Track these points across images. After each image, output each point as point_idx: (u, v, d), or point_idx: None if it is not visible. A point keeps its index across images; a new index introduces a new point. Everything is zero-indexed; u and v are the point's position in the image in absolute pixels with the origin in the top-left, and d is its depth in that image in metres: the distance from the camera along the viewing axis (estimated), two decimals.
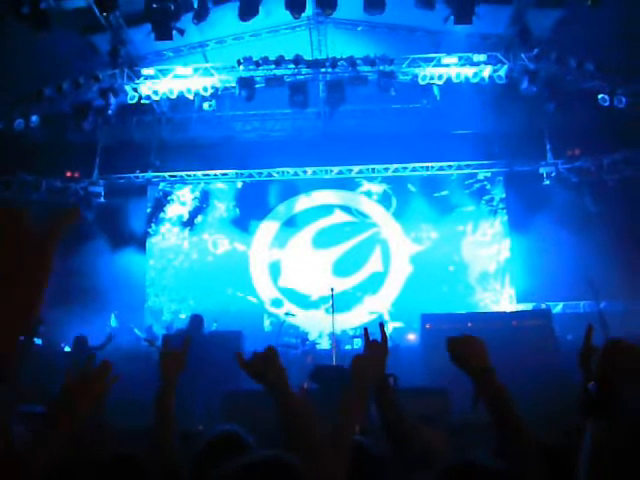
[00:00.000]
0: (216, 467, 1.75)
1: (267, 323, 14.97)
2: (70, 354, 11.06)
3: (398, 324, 14.38)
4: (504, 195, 15.51)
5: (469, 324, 11.19)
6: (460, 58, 13.03)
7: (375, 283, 15.23)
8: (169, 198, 15.95)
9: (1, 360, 0.77)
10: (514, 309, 14.33)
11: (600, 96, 12.53)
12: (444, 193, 15.48)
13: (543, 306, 13.46)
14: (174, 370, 2.83)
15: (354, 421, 2.24)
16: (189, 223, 15.80)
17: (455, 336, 2.30)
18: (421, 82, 13.12)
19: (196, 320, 11.74)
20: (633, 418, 1.57)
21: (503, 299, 14.96)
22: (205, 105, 13.49)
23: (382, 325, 2.64)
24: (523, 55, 12.71)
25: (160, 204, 15.88)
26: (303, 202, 15.87)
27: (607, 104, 12.47)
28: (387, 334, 2.56)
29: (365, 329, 2.68)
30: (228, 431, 2.73)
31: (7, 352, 0.79)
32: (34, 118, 12.69)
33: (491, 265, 15.20)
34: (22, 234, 0.83)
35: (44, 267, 0.86)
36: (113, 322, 13.32)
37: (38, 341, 10.93)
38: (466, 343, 2.26)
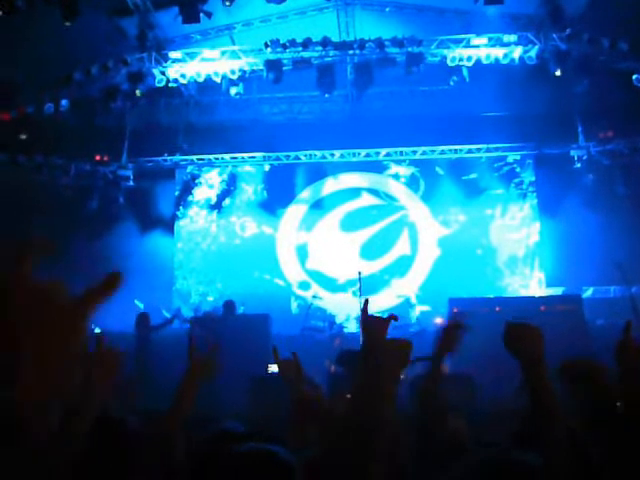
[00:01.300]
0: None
1: (294, 306, 15.01)
2: (134, 331, 11.20)
3: (425, 308, 14.34)
4: (534, 178, 15.32)
5: (497, 308, 11.11)
6: (490, 39, 12.83)
7: (403, 266, 15.17)
8: (197, 181, 16.01)
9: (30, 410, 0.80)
10: (543, 293, 14.20)
11: (634, 76, 12.26)
12: (473, 176, 15.34)
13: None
14: (202, 377, 2.89)
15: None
16: (217, 206, 15.86)
17: (515, 322, 2.26)
18: (450, 64, 12.95)
19: (229, 306, 11.85)
20: None
21: (532, 283, 14.83)
22: (232, 91, 13.46)
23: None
24: (555, 35, 12.48)
25: (188, 187, 15.94)
26: (330, 185, 15.83)
27: None
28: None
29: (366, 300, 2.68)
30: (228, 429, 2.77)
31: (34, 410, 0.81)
32: (64, 102, 12.80)
33: (520, 249, 15.06)
34: (57, 308, 0.86)
35: (77, 333, 0.87)
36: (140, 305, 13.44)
37: None
38: (526, 332, 2.22)
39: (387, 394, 2.08)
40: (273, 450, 1.76)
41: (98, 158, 14.99)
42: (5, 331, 0.81)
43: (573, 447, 1.99)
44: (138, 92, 12.96)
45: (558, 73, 12.48)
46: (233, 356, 11.19)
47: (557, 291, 13.94)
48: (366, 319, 2.53)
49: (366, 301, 2.66)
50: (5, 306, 0.82)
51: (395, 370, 2.26)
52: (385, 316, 2.48)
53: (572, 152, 14.47)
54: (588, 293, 13.55)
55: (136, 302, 13.53)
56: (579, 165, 14.40)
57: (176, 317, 11.67)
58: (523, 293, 14.54)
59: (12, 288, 0.83)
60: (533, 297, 13.52)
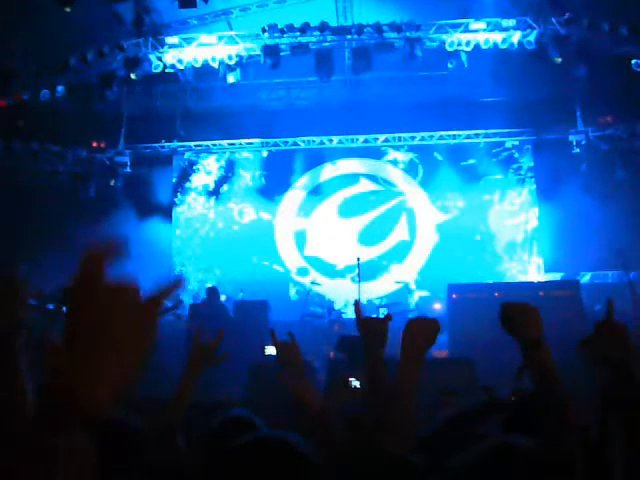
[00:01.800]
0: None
1: (293, 292, 15.02)
2: None
3: (424, 293, 14.37)
4: (532, 164, 15.28)
5: (496, 294, 11.12)
6: (489, 24, 12.76)
7: (401, 252, 15.17)
8: (195, 167, 15.97)
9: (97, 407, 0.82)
10: (542, 279, 14.21)
11: (634, 61, 12.20)
12: (471, 162, 15.30)
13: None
14: (203, 362, 2.92)
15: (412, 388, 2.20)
16: (215, 192, 15.83)
17: (511, 302, 2.22)
18: (448, 49, 12.89)
19: (212, 292, 11.85)
20: None
21: (530, 269, 14.83)
22: (230, 78, 13.37)
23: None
24: (554, 20, 12.41)
25: (186, 173, 15.91)
26: (329, 171, 15.79)
27: None
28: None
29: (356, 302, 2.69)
30: (238, 416, 2.77)
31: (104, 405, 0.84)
32: (60, 88, 12.73)
33: (518, 234, 15.06)
34: (133, 307, 0.92)
35: (151, 329, 0.94)
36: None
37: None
38: (522, 311, 2.19)
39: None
40: (289, 440, 1.74)
41: (95, 145, 14.94)
42: (89, 330, 0.85)
43: (583, 439, 1.98)
44: (133, 75, 12.88)
45: (559, 60, 12.42)
46: (232, 342, 11.26)
47: (555, 276, 13.95)
48: (363, 322, 2.53)
49: (356, 303, 2.65)
50: (88, 306, 0.86)
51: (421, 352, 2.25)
52: (381, 316, 2.49)
53: (571, 137, 14.43)
54: (586, 278, 13.55)
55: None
56: (578, 150, 14.35)
57: (179, 304, 11.65)
58: (521, 279, 14.54)
59: (92, 288, 0.88)
60: (531, 282, 13.53)
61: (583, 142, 14.26)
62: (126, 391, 0.86)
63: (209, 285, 12.61)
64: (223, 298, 12.85)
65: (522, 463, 1.52)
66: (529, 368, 2.10)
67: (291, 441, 1.72)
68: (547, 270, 14.53)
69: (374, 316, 2.58)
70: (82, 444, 0.80)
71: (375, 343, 2.56)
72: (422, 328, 2.30)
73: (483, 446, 1.61)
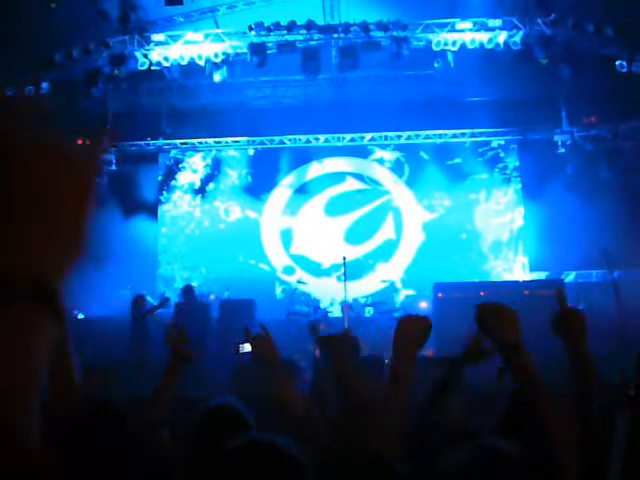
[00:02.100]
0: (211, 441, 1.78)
1: (279, 290, 15.01)
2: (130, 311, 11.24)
3: (410, 292, 14.41)
4: (518, 163, 15.36)
5: (481, 293, 11.18)
6: (475, 23, 12.82)
7: (387, 251, 15.20)
8: (180, 165, 15.91)
9: (47, 282, 0.74)
10: (527, 278, 14.29)
11: (618, 62, 12.30)
12: (457, 161, 15.35)
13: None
14: (179, 360, 2.94)
15: (405, 387, 2.19)
16: (201, 191, 15.79)
17: (487, 303, 2.15)
18: (435, 48, 12.93)
19: (187, 291, 11.82)
20: None
21: (516, 268, 14.91)
22: (216, 77, 13.33)
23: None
24: (539, 20, 12.48)
25: (171, 172, 15.85)
26: (315, 169, 15.78)
27: (625, 70, 12.25)
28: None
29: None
30: (224, 404, 2.77)
31: (54, 277, 0.76)
32: (44, 85, 12.65)
33: (504, 233, 15.13)
34: (61, 155, 0.81)
35: (86, 187, 0.81)
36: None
37: None
38: (498, 312, 2.11)
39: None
40: (278, 443, 1.74)
41: (80, 142, 14.80)
42: (8, 194, 0.75)
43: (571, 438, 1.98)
44: (117, 71, 12.81)
45: (545, 60, 12.50)
46: (218, 341, 11.25)
47: (540, 275, 14.03)
48: (321, 340, 2.52)
49: (312, 324, 2.67)
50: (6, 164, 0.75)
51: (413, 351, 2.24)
52: (339, 334, 2.49)
53: (556, 137, 14.54)
54: (571, 277, 13.63)
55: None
56: (563, 150, 14.47)
57: (165, 302, 11.63)
58: (507, 277, 14.62)
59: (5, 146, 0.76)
60: (516, 281, 13.60)
61: (568, 142, 14.37)
62: (77, 261, 0.79)
63: (186, 285, 12.53)
64: (212, 297, 12.84)
65: (506, 467, 1.53)
66: (509, 370, 2.07)
67: (279, 443, 1.72)
68: (532, 269, 14.62)
69: (333, 333, 2.58)
70: (40, 317, 0.72)
71: (338, 359, 2.55)
72: (413, 327, 2.29)
73: (469, 449, 1.61)
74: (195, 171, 15.90)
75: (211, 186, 15.76)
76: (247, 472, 1.67)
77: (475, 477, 1.52)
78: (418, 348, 2.25)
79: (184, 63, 13.18)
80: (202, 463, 1.88)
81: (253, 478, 1.67)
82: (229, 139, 15.52)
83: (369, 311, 13.07)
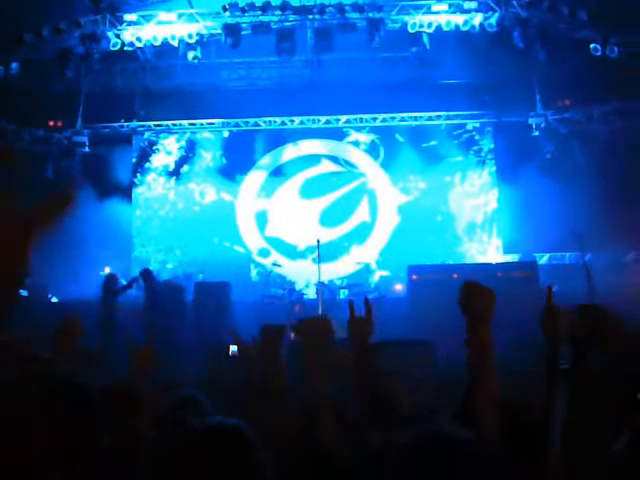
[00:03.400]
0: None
1: (254, 273, 14.99)
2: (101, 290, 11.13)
3: (385, 273, 14.47)
4: (493, 146, 15.43)
5: (455, 275, 11.26)
6: (450, 5, 12.81)
7: (362, 233, 15.22)
8: (154, 148, 15.77)
9: None
10: (501, 260, 14.40)
11: (592, 45, 12.36)
12: (432, 143, 15.37)
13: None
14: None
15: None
16: (175, 173, 15.67)
17: (474, 282, 2.27)
18: (410, 30, 12.90)
19: (146, 273, 11.70)
20: (599, 379, 1.58)
21: (490, 250, 15.02)
22: (190, 55, 13.19)
23: (367, 301, 2.66)
24: (515, 2, 12.50)
25: (145, 154, 15.70)
26: (290, 152, 15.72)
27: (599, 54, 12.31)
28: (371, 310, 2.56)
29: (350, 302, 2.69)
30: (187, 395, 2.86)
31: None
32: (14, 65, 12.43)
33: (478, 216, 15.22)
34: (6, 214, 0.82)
35: (28, 235, 0.84)
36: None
37: (24, 292, 10.88)
38: (479, 289, 2.25)
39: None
40: (236, 425, 1.82)
41: (52, 124, 14.63)
42: None
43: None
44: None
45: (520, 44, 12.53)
46: (193, 324, 11.23)
47: (514, 258, 14.16)
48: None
49: (293, 324, 2.71)
50: None
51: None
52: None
53: (530, 120, 14.63)
54: (544, 260, 13.78)
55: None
56: (537, 133, 14.56)
57: (134, 282, 11.55)
58: (481, 259, 14.72)
59: None
60: (490, 264, 13.71)
61: (542, 125, 14.47)
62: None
63: (143, 269, 12.35)
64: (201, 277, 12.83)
65: (452, 450, 1.54)
66: (470, 345, 2.16)
67: (241, 427, 1.80)
68: (506, 251, 14.74)
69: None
70: None
71: (309, 350, 2.56)
72: (361, 326, 2.41)
73: (415, 432, 1.63)
74: (169, 153, 15.77)
75: (185, 168, 15.65)
76: (206, 453, 1.76)
77: (415, 459, 1.54)
78: (367, 341, 2.36)
79: (157, 44, 13.03)
80: (168, 445, 1.92)
81: (212, 458, 1.76)
82: (204, 121, 15.41)
83: (344, 293, 13.12)
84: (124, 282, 13.37)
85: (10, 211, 0.80)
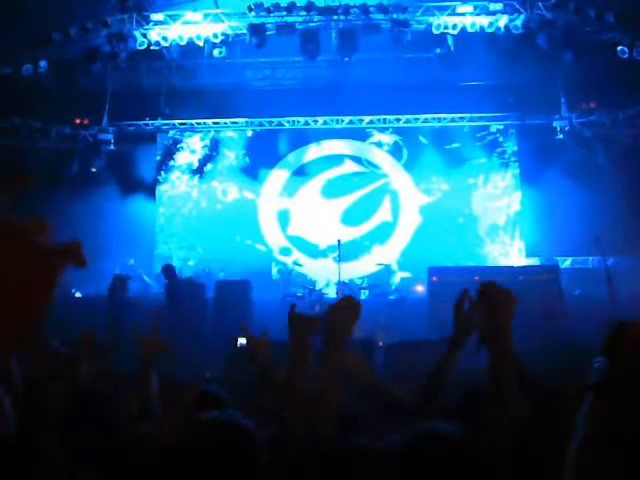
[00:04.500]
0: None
1: (275, 271, 15.04)
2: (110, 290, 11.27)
3: (406, 274, 14.45)
4: (516, 148, 15.35)
5: (476, 278, 11.21)
6: (476, 7, 12.77)
7: (384, 233, 15.23)
8: (179, 146, 15.91)
9: None
10: (523, 263, 14.32)
11: (619, 48, 12.24)
12: (456, 145, 15.34)
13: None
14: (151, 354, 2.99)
15: (335, 378, 2.16)
16: (198, 171, 15.80)
17: (493, 285, 2.20)
18: (435, 31, 12.88)
19: (167, 269, 11.75)
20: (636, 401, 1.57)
21: (512, 252, 14.95)
22: (215, 52, 13.31)
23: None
24: (540, 4, 12.43)
25: (170, 152, 15.84)
26: (313, 151, 15.78)
27: (626, 56, 12.19)
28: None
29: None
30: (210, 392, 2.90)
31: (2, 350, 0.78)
32: (42, 63, 12.60)
33: (501, 218, 15.15)
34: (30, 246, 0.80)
35: (47, 278, 0.81)
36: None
37: None
38: (503, 297, 2.16)
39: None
40: (236, 421, 1.85)
41: (78, 121, 14.80)
42: None
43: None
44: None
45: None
46: (214, 321, 11.31)
47: (536, 261, 14.08)
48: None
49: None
50: None
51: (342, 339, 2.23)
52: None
53: (555, 123, 14.52)
54: (567, 263, 13.68)
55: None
56: (561, 136, 14.45)
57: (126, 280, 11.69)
58: (503, 262, 14.65)
59: None
60: (512, 267, 13.62)
61: (567, 128, 14.35)
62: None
63: (165, 265, 12.39)
64: (221, 275, 12.90)
65: (446, 450, 1.57)
66: (491, 352, 2.11)
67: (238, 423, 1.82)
68: (529, 254, 14.65)
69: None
70: None
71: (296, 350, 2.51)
72: (342, 314, 2.23)
73: (411, 432, 1.66)
74: (193, 152, 15.89)
75: (209, 167, 15.77)
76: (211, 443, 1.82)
77: (415, 459, 1.57)
78: (347, 335, 2.21)
79: (183, 43, 13.14)
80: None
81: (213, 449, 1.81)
82: (228, 120, 15.50)
83: (364, 293, 13.14)
84: (147, 278, 13.55)
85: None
